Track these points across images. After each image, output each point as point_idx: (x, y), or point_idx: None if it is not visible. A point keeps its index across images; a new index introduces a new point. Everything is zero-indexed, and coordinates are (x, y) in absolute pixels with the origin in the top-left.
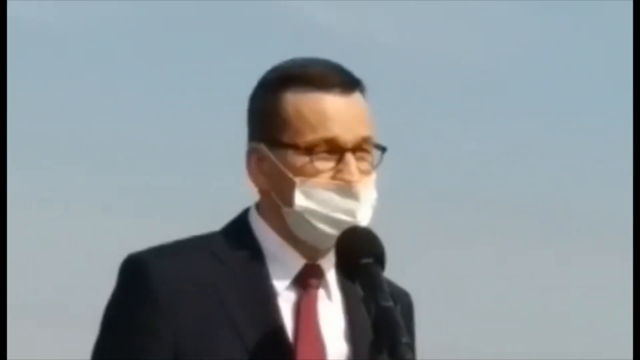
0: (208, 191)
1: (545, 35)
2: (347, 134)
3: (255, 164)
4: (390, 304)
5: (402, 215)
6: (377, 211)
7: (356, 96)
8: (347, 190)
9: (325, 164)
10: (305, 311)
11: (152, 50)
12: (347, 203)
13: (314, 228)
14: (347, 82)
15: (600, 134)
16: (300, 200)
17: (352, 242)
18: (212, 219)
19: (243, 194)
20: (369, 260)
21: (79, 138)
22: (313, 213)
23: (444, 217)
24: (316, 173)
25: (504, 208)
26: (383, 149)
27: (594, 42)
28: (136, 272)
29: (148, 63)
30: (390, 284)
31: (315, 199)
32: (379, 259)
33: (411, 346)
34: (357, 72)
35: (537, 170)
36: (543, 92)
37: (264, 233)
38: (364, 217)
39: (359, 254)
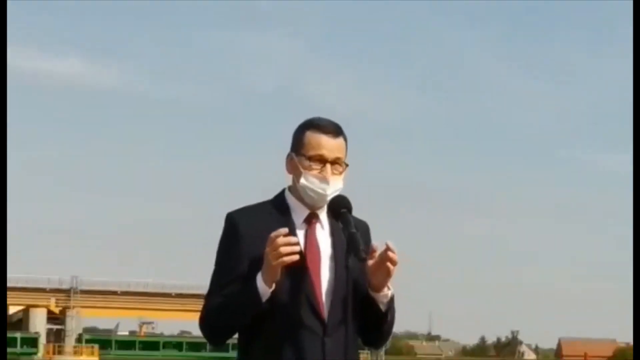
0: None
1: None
2: (329, 155)
3: (289, 162)
4: (355, 230)
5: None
6: (353, 195)
7: (339, 138)
8: (323, 179)
9: (317, 166)
10: (310, 235)
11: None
12: (323, 185)
13: (308, 196)
14: (335, 131)
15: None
16: (303, 181)
17: (337, 202)
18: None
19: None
20: (345, 210)
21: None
22: (308, 187)
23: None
24: (311, 169)
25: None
26: (346, 165)
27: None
28: (230, 221)
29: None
30: (356, 219)
31: (309, 181)
32: (349, 209)
33: (367, 251)
34: (351, 131)
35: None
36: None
37: (291, 199)
38: (332, 193)
39: (340, 207)
